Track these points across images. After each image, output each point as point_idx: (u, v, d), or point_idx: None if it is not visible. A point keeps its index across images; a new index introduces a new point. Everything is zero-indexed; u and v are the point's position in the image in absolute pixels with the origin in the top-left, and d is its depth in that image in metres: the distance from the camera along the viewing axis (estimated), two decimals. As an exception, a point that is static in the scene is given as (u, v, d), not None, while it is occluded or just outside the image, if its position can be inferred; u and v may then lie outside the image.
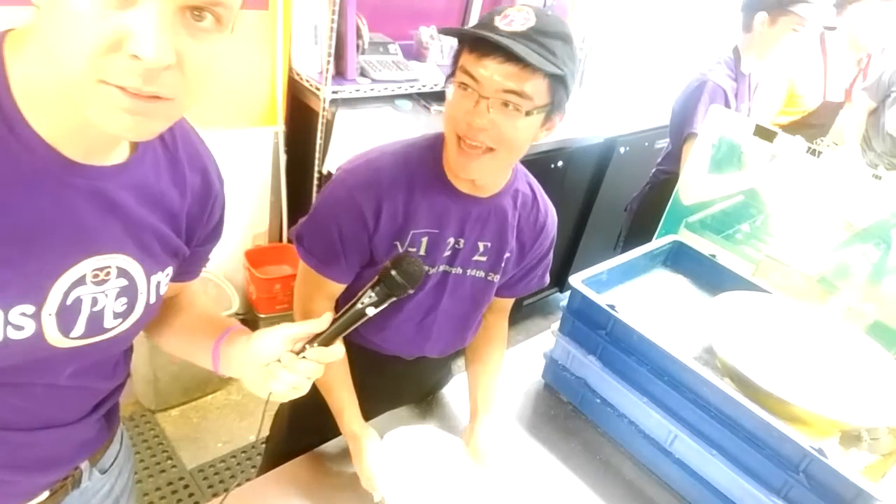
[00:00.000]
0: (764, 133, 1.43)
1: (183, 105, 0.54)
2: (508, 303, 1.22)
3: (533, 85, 0.85)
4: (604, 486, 1.10)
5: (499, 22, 0.84)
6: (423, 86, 2.21)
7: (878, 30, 2.38)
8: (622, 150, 2.52)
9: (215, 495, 1.81)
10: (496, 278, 1.08)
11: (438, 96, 2.26)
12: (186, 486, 1.87)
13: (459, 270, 1.05)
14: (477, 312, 1.14)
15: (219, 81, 1.89)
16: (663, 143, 2.73)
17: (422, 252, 1.00)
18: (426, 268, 1.01)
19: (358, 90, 2.08)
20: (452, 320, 1.11)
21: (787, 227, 1.49)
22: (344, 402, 1.03)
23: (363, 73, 2.12)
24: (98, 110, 0.50)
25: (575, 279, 1.17)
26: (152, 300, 0.69)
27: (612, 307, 1.11)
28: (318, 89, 2.04)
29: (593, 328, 1.14)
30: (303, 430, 1.15)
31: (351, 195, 0.95)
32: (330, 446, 1.08)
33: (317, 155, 2.13)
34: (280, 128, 2.16)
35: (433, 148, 0.99)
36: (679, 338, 1.20)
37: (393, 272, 0.69)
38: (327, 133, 2.09)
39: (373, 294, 0.69)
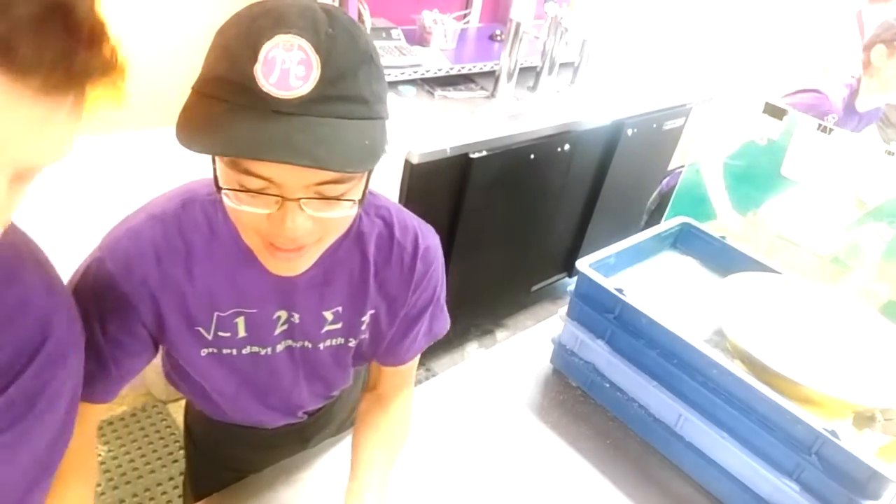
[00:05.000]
0: (774, 111, 1.40)
1: None
2: (403, 371, 0.93)
3: None
4: (613, 470, 1.09)
5: (266, 83, 0.52)
6: (427, 71, 2.19)
7: None
8: (630, 132, 2.49)
9: (228, 484, 1.83)
10: (354, 342, 0.86)
11: (442, 81, 2.24)
12: (199, 475, 1.89)
13: (308, 344, 0.83)
14: (344, 371, 0.92)
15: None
16: (672, 125, 2.70)
17: (242, 333, 0.78)
18: (258, 349, 0.80)
19: (361, 77, 2.05)
20: (317, 383, 0.92)
21: (798, 207, 1.47)
22: None
23: (366, 60, 2.09)
24: None
25: (582, 263, 1.15)
26: None
27: (620, 291, 1.09)
28: (320, 77, 2.01)
29: (601, 312, 1.13)
30: (212, 465, 1.07)
31: (112, 278, 0.69)
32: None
33: (321, 143, 2.11)
34: (284, 116, 2.14)
35: (216, 203, 0.71)
36: (688, 320, 1.19)
37: None
38: (331, 121, 2.06)
39: None
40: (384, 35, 2.18)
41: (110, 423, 1.97)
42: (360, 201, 0.63)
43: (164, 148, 1.84)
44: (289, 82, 0.52)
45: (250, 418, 0.94)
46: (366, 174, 0.63)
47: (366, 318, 0.83)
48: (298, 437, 1.04)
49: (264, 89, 0.52)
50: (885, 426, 1.03)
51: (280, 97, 0.52)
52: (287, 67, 0.52)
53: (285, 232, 0.59)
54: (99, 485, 1.80)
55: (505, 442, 1.11)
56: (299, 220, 0.59)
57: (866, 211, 1.37)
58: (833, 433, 0.88)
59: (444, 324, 0.93)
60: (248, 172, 0.56)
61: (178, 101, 0.58)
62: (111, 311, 0.70)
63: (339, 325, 0.82)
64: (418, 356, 0.94)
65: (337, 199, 0.60)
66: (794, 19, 2.84)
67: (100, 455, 1.88)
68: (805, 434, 0.91)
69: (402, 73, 2.14)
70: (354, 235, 0.78)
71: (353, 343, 0.86)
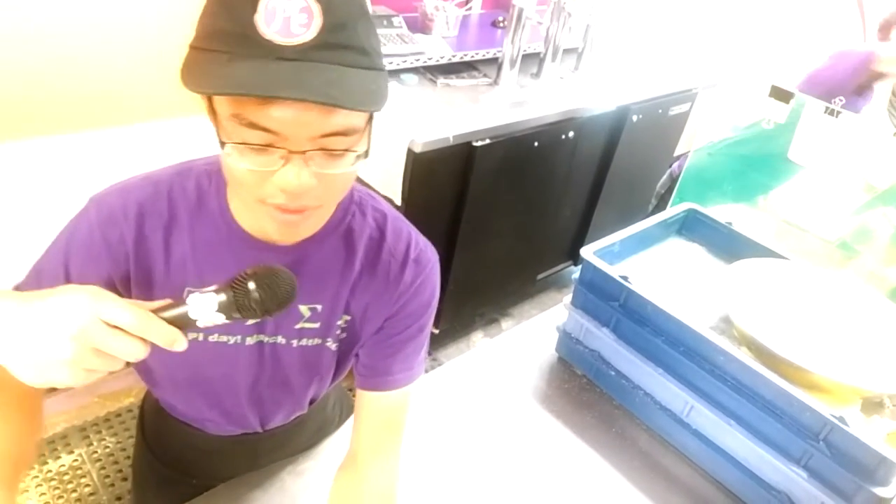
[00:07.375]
0: (780, 94, 1.38)
1: None
2: (386, 419, 0.84)
3: (355, 113, 0.57)
4: (619, 459, 1.09)
5: (267, 30, 0.52)
6: (429, 59, 2.17)
7: None
8: (635, 118, 2.46)
9: (235, 474, 1.84)
10: (333, 344, 0.81)
11: (445, 69, 2.22)
12: (207, 466, 1.90)
13: (281, 340, 0.78)
14: (313, 379, 0.86)
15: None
16: (678, 110, 2.68)
17: None
18: (226, 338, 0.76)
19: (363, 65, 2.04)
20: (279, 390, 0.85)
21: (805, 191, 1.45)
22: None
23: (367, 48, 2.08)
24: None
25: (587, 251, 1.14)
26: None
27: (625, 278, 1.08)
28: (322, 66, 2.00)
29: (606, 300, 1.12)
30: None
31: (92, 228, 0.69)
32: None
33: (324, 133, 2.10)
34: (286, 107, 2.13)
35: (211, 175, 0.71)
36: (694, 307, 1.18)
37: (251, 285, 0.55)
38: (333, 110, 2.05)
39: (215, 300, 0.55)
40: (385, 23, 2.16)
41: (118, 415, 1.98)
42: (365, 154, 0.62)
43: (149, 142, 1.84)
44: (291, 29, 0.52)
45: (198, 416, 0.89)
46: (368, 129, 0.62)
47: (341, 323, 0.79)
48: (249, 453, 0.96)
49: (266, 36, 0.52)
50: (893, 412, 1.02)
51: (283, 44, 0.52)
52: (288, 15, 0.52)
53: (290, 187, 0.57)
54: (108, 476, 1.81)
55: (510, 430, 1.11)
56: (304, 175, 0.57)
57: (875, 194, 1.35)
58: (841, 419, 0.87)
59: (414, 374, 0.83)
60: (252, 126, 0.55)
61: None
62: (81, 258, 0.69)
63: (316, 325, 0.78)
64: (406, 405, 0.84)
65: (343, 151, 0.59)
66: (798, 2, 2.80)
67: (108, 447, 1.89)
68: (813, 421, 0.91)
69: (404, 62, 2.12)
70: (344, 232, 0.75)
71: (331, 345, 0.80)
